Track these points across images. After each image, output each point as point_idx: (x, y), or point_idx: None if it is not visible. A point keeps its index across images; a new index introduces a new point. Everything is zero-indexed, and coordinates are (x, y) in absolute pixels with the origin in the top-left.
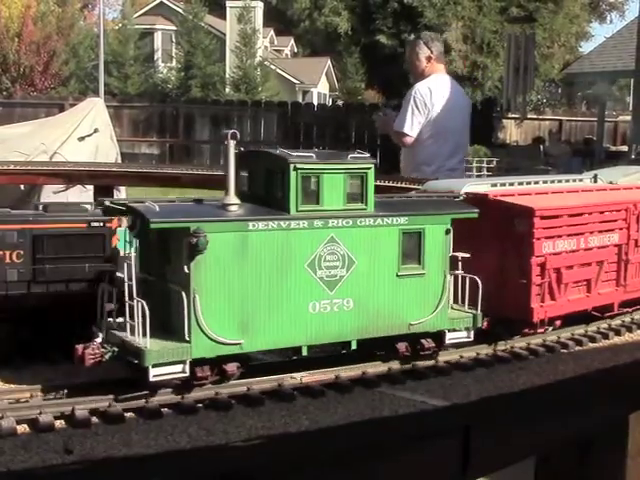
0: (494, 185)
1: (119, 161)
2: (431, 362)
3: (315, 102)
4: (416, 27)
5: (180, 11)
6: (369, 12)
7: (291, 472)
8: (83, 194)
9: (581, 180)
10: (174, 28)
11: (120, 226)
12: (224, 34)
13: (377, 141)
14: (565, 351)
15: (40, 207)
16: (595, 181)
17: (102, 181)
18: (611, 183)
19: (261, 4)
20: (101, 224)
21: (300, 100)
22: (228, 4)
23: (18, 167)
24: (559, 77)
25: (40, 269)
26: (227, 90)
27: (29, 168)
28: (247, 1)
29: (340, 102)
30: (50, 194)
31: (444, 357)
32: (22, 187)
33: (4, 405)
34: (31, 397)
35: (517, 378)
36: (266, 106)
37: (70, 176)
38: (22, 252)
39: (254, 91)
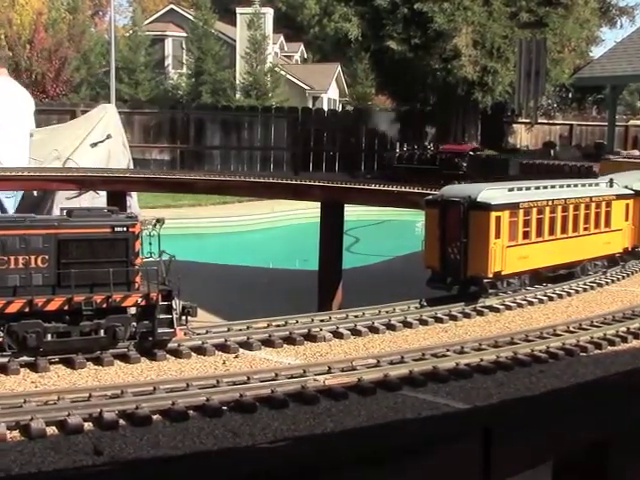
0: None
1: (131, 167)
2: (452, 364)
3: (325, 108)
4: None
5: (190, 18)
6: (379, 18)
7: (315, 473)
8: (96, 200)
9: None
10: (184, 35)
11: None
12: (234, 40)
13: (387, 146)
14: (584, 354)
15: (64, 212)
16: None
17: (115, 187)
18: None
19: (271, 10)
20: (125, 229)
21: (310, 106)
22: (238, 11)
23: (31, 173)
24: (569, 82)
25: (65, 274)
26: (237, 96)
27: (42, 174)
28: (257, 8)
29: (350, 107)
30: (63, 200)
31: (465, 360)
32: (35, 193)
33: (33, 407)
34: (59, 399)
35: (537, 381)
36: (276, 112)
37: (83, 182)
38: (47, 257)
39: (264, 97)
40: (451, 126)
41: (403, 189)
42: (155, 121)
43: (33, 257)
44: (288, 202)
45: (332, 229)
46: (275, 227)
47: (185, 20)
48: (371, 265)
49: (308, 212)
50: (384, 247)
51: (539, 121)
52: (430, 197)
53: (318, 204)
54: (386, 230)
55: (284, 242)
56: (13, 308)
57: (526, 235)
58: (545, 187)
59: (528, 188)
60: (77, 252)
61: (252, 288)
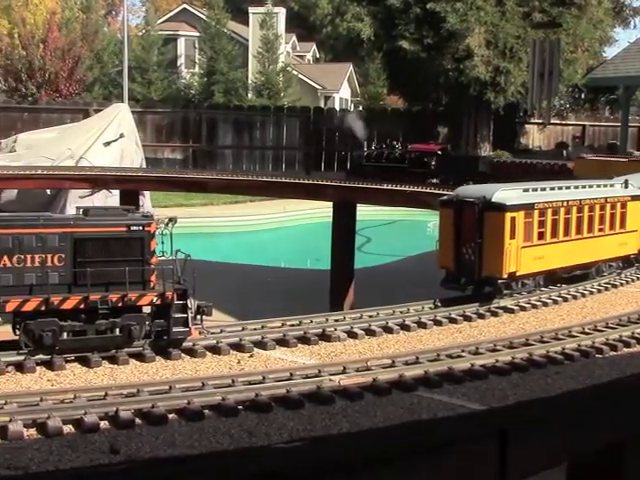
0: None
1: (144, 166)
2: (467, 365)
3: (337, 107)
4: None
5: (203, 17)
6: (391, 18)
7: (331, 473)
8: (108, 198)
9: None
10: (197, 34)
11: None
12: (247, 40)
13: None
14: (600, 356)
15: (81, 211)
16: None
17: (128, 186)
18: None
19: (283, 10)
20: (140, 228)
21: (322, 105)
22: (251, 10)
23: (45, 172)
24: (582, 82)
25: (81, 272)
26: (249, 96)
27: (56, 173)
28: (270, 7)
29: (362, 107)
30: (76, 198)
31: (480, 361)
32: (48, 191)
33: (49, 405)
34: (75, 398)
35: (553, 382)
36: (288, 111)
37: (96, 181)
38: (63, 255)
39: (276, 97)
40: (463, 126)
41: (416, 189)
42: (167, 120)
43: (49, 256)
44: (299, 202)
45: (344, 229)
46: (286, 227)
47: (198, 20)
48: (383, 265)
49: (319, 212)
50: (396, 247)
51: (552, 122)
52: (445, 197)
53: (329, 204)
54: (397, 230)
55: (295, 242)
56: (29, 306)
57: (541, 236)
58: (560, 188)
59: (543, 189)
60: (93, 251)
61: (263, 287)
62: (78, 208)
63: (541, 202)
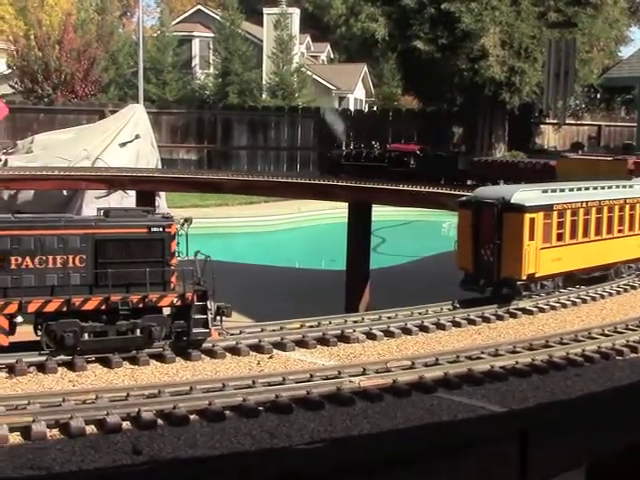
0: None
1: (160, 167)
2: (487, 367)
3: (352, 108)
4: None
5: (218, 18)
6: (406, 18)
7: (352, 474)
8: (124, 199)
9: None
10: (211, 35)
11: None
12: (261, 41)
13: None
14: (620, 358)
15: (101, 212)
16: None
17: (144, 187)
18: None
19: (298, 11)
20: (161, 229)
21: (337, 106)
22: (265, 11)
23: (61, 173)
24: (598, 82)
25: (102, 273)
26: (264, 96)
27: (72, 174)
28: (284, 8)
29: (376, 108)
30: (92, 199)
31: (500, 362)
32: (65, 192)
33: (72, 406)
34: (97, 398)
35: (574, 385)
36: (303, 112)
37: (112, 181)
38: (84, 256)
39: (291, 97)
40: (478, 127)
41: (431, 190)
42: (182, 121)
43: (71, 257)
44: (314, 202)
45: (360, 229)
46: (301, 227)
47: (212, 20)
48: (398, 266)
49: (334, 212)
50: (411, 248)
51: (567, 122)
52: (463, 198)
53: (344, 204)
54: (412, 231)
55: (310, 242)
56: (51, 307)
57: (560, 237)
58: (579, 189)
59: (562, 190)
60: (114, 252)
61: (278, 288)
62: (99, 209)
63: (560, 203)
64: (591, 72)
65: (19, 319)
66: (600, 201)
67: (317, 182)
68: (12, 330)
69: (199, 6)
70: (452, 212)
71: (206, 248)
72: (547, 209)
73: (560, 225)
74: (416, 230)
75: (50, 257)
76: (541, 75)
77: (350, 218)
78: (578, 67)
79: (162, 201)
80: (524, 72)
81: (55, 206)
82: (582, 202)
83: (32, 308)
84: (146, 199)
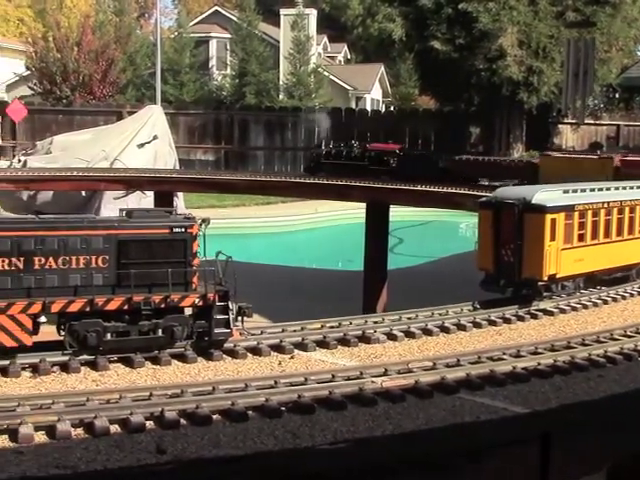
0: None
1: (177, 167)
2: (509, 368)
3: (368, 108)
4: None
5: (235, 19)
6: (423, 18)
7: (375, 475)
8: (143, 200)
9: None
10: (229, 36)
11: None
12: (278, 41)
13: (432, 147)
14: None
15: (124, 213)
16: None
17: (162, 187)
18: None
19: (315, 11)
20: (183, 230)
21: (353, 106)
22: (282, 12)
23: (80, 173)
24: (617, 81)
25: (124, 274)
26: (281, 97)
27: (91, 174)
28: (301, 8)
29: (393, 108)
30: (111, 200)
31: (522, 363)
32: (83, 193)
33: (96, 405)
34: (120, 398)
35: (597, 386)
36: (320, 112)
37: (130, 182)
38: (107, 257)
39: (308, 98)
40: (495, 127)
41: (449, 190)
42: (200, 122)
43: (94, 257)
44: (331, 202)
45: (377, 230)
46: (318, 227)
47: (229, 21)
48: (415, 266)
49: (351, 213)
50: (428, 248)
51: (585, 122)
52: (484, 199)
53: (361, 205)
54: (429, 231)
55: (327, 243)
56: (74, 307)
57: (581, 238)
58: (600, 189)
59: (583, 190)
60: (136, 252)
61: (295, 288)
62: (121, 210)
63: (581, 203)
64: (610, 72)
65: (43, 319)
66: (621, 201)
67: (334, 182)
68: (36, 330)
69: (216, 7)
70: (469, 212)
71: (223, 248)
72: (568, 209)
73: (581, 226)
74: (433, 230)
75: (73, 257)
76: (559, 75)
77: (368, 218)
78: (597, 66)
79: (180, 202)
80: (542, 72)
81: (74, 207)
82: (603, 202)
83: (55, 308)
84: (164, 200)
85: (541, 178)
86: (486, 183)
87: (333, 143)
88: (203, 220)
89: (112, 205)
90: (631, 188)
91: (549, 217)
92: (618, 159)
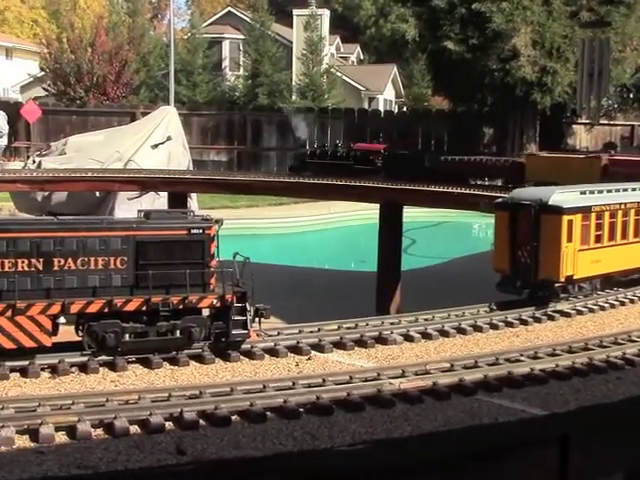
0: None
1: (191, 168)
2: (527, 370)
3: (381, 109)
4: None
5: (247, 20)
6: (436, 18)
7: (393, 476)
8: (156, 201)
9: None
10: (241, 37)
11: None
12: (291, 42)
13: (444, 147)
14: None
15: (142, 214)
16: None
17: (176, 188)
18: None
19: (327, 12)
20: (200, 231)
21: (366, 107)
22: (295, 12)
23: (95, 174)
24: (631, 82)
25: (143, 275)
26: (294, 97)
27: (105, 175)
28: (314, 9)
29: (406, 108)
30: (124, 200)
31: (539, 365)
32: (97, 194)
33: (115, 406)
34: (139, 399)
35: (615, 388)
36: (333, 113)
37: (144, 183)
38: (126, 258)
39: (320, 98)
40: (509, 127)
41: (463, 191)
42: (212, 123)
43: (112, 258)
44: (343, 203)
45: (391, 230)
46: (331, 228)
47: (242, 22)
48: (429, 267)
49: (364, 213)
50: (440, 249)
51: (600, 122)
52: (500, 200)
53: (373, 205)
54: (441, 232)
55: (340, 243)
56: (93, 308)
57: (598, 239)
58: (617, 190)
59: (600, 191)
60: (154, 254)
61: (308, 289)
62: (139, 211)
63: (598, 205)
64: (624, 72)
65: (62, 320)
66: (638, 203)
67: (348, 183)
68: (55, 331)
69: (229, 8)
70: (483, 213)
71: (236, 249)
72: (585, 211)
73: (598, 227)
74: (445, 231)
75: (92, 258)
76: (573, 75)
77: (381, 219)
78: (611, 66)
79: (193, 202)
80: (556, 72)
81: (88, 207)
82: (620, 204)
83: (75, 309)
84: (178, 200)
85: (527, 178)
86: (499, 184)
87: (317, 143)
88: (216, 221)
89: (126, 206)
90: None
91: (566, 218)
92: (606, 158)
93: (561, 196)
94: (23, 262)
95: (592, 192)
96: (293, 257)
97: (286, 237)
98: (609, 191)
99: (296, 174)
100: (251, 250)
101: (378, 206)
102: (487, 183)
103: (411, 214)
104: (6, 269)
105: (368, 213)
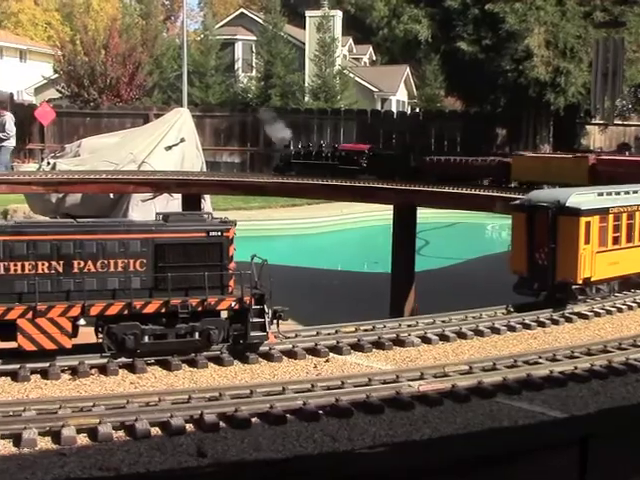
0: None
1: (204, 170)
2: (546, 372)
3: (394, 110)
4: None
5: (260, 21)
6: (449, 19)
7: (411, 479)
8: (170, 203)
9: None
10: (254, 38)
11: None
12: (303, 43)
13: (457, 148)
14: None
15: (160, 217)
16: None
17: (190, 190)
18: None
19: (340, 13)
20: (219, 233)
21: (379, 108)
22: (307, 13)
23: (109, 176)
24: None
25: (162, 277)
26: (306, 99)
27: (119, 177)
28: (326, 10)
29: (419, 109)
30: (138, 202)
31: (558, 368)
32: (111, 196)
33: (136, 408)
34: (160, 401)
35: (635, 390)
36: (345, 114)
37: (159, 185)
38: (145, 261)
39: (333, 99)
40: (522, 128)
41: (478, 192)
42: (225, 124)
43: (131, 261)
44: (357, 204)
45: (405, 231)
46: (344, 230)
47: (255, 24)
48: (443, 268)
49: (377, 215)
50: (453, 250)
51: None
52: (517, 201)
53: (386, 206)
54: (455, 233)
55: (353, 244)
56: (113, 310)
57: (616, 241)
58: (635, 191)
59: (618, 193)
60: (173, 256)
61: (322, 291)
62: (157, 214)
63: (616, 206)
64: (638, 72)
65: (82, 322)
66: None
67: (362, 185)
68: (75, 333)
69: (242, 9)
70: (498, 214)
71: (250, 250)
72: (603, 212)
73: (616, 228)
74: (459, 232)
75: (111, 261)
76: (587, 75)
77: (395, 220)
78: (625, 67)
79: (207, 204)
80: (569, 72)
81: (102, 209)
82: (638, 205)
83: (94, 311)
84: (191, 202)
85: (513, 178)
86: (513, 185)
87: (301, 144)
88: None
89: (140, 207)
90: None
91: (583, 220)
92: (593, 158)
93: (578, 198)
94: (43, 264)
95: (609, 193)
96: (306, 258)
97: (299, 238)
98: (627, 192)
99: (280, 174)
100: (265, 251)
101: (391, 207)
102: (484, 183)
103: (423, 215)
104: (26, 271)
105: (380, 214)
